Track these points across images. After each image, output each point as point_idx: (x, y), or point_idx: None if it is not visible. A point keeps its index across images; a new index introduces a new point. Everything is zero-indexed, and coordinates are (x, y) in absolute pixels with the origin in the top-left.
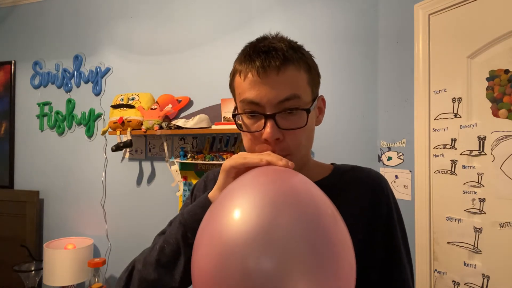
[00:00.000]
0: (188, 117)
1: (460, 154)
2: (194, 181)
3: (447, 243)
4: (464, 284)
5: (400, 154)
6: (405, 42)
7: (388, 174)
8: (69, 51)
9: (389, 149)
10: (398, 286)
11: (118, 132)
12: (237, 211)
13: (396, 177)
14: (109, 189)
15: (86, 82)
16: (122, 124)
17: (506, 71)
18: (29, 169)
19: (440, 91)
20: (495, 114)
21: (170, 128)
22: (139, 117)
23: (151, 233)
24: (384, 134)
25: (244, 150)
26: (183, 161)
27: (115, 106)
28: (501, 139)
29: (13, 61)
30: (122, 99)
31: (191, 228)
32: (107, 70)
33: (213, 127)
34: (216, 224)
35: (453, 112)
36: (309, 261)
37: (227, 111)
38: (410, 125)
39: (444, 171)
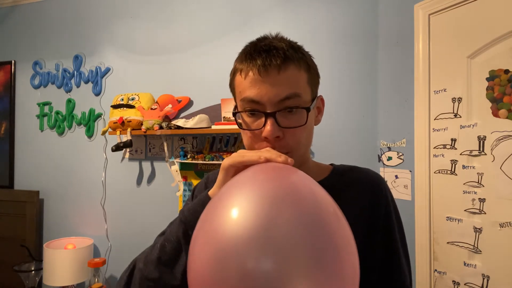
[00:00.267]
0: (188, 117)
1: (460, 154)
2: (194, 181)
3: (447, 243)
4: (464, 284)
5: (400, 154)
6: (405, 42)
7: (388, 174)
8: (69, 51)
9: (389, 149)
10: (397, 287)
11: (118, 132)
12: (235, 209)
13: (396, 177)
14: (109, 189)
15: (86, 82)
16: (122, 124)
17: (506, 71)
18: (29, 169)
19: (440, 91)
20: (495, 114)
21: (170, 128)
22: (139, 117)
23: (151, 233)
24: (384, 134)
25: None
26: (183, 161)
27: (115, 106)
28: (501, 139)
29: (13, 61)
30: (122, 99)
31: (192, 225)
32: (107, 70)
33: (213, 127)
34: (213, 223)
35: (453, 112)
36: (310, 261)
37: (227, 111)
38: (410, 125)
39: (444, 171)
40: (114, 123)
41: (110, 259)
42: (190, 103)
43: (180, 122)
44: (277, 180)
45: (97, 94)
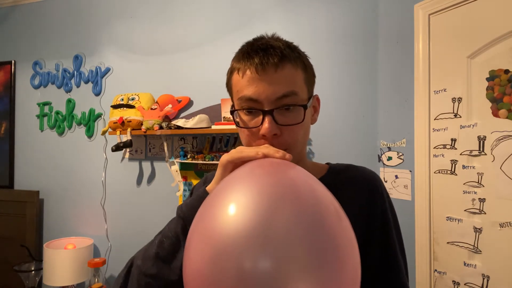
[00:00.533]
0: (188, 117)
1: (460, 154)
2: (194, 181)
3: (447, 243)
4: (464, 284)
5: (400, 154)
6: (405, 42)
7: (388, 174)
8: (69, 51)
9: (389, 149)
10: (394, 283)
11: (118, 132)
12: (232, 206)
13: (396, 177)
14: (109, 189)
15: (86, 82)
16: (122, 124)
17: (506, 71)
18: (29, 169)
19: (440, 91)
20: (495, 114)
21: (170, 128)
22: (139, 117)
23: (151, 233)
24: (384, 134)
25: None
26: (183, 161)
27: (115, 106)
28: (501, 139)
29: (13, 61)
30: (122, 99)
31: (190, 221)
32: (107, 70)
33: (213, 127)
34: (209, 220)
35: (453, 112)
36: (310, 261)
37: (227, 111)
38: (410, 125)
39: (444, 171)
40: (114, 123)
41: (110, 259)
42: (190, 103)
43: (180, 122)
44: (276, 176)
45: (97, 94)
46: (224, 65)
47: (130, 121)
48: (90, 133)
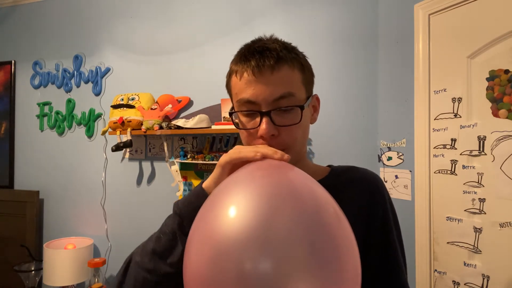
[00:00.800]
0: (188, 117)
1: (460, 154)
2: (194, 181)
3: (447, 243)
4: (464, 284)
5: (400, 154)
6: (405, 42)
7: (388, 174)
8: (69, 51)
9: (389, 149)
10: (394, 283)
11: (118, 132)
12: (232, 208)
13: (396, 177)
14: (109, 189)
15: (86, 82)
16: (122, 124)
17: (506, 71)
18: (29, 169)
19: (440, 91)
20: (495, 114)
21: (170, 128)
22: (139, 117)
23: (151, 233)
24: (384, 134)
25: None
26: (183, 161)
27: (115, 106)
28: (501, 139)
29: (13, 61)
30: (122, 99)
31: (186, 217)
32: (107, 70)
33: (213, 127)
34: (209, 222)
35: (453, 112)
36: (310, 262)
37: (227, 111)
38: (410, 125)
39: (444, 171)
40: (114, 123)
41: (110, 259)
42: (190, 103)
43: (180, 122)
44: (275, 178)
45: (97, 94)
46: (224, 65)
47: (130, 121)
48: (90, 133)
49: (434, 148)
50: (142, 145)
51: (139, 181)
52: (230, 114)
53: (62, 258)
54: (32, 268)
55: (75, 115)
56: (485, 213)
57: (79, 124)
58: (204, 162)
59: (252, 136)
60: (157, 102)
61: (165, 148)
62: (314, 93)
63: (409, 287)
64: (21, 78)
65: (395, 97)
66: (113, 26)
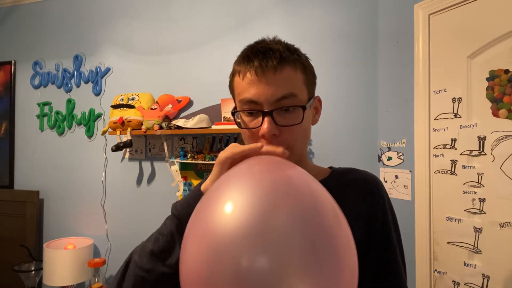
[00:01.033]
0: (188, 117)
1: (460, 154)
2: (194, 181)
3: (447, 243)
4: (464, 284)
5: (400, 154)
6: (405, 42)
7: (388, 174)
8: (69, 51)
9: (389, 149)
10: (393, 283)
11: (118, 132)
12: (230, 204)
13: (396, 177)
14: (109, 189)
15: (86, 82)
16: (122, 124)
17: (506, 71)
18: (29, 169)
19: (440, 91)
20: (495, 114)
21: (170, 128)
22: (139, 117)
23: (151, 233)
24: (384, 134)
25: None
26: (183, 161)
27: (115, 106)
28: (501, 139)
29: (13, 61)
30: (122, 99)
31: (184, 219)
32: (107, 70)
33: (213, 127)
34: (206, 219)
35: (453, 112)
36: (308, 260)
37: (227, 111)
38: (410, 125)
39: (444, 171)
40: (114, 123)
41: (110, 259)
42: (190, 103)
43: (180, 122)
44: (274, 174)
45: (97, 94)
46: (224, 65)
47: (130, 121)
48: (90, 133)
49: (434, 148)
50: (142, 145)
51: (139, 181)
52: (233, 113)
53: (62, 258)
54: (32, 268)
55: (75, 115)
56: (485, 213)
57: (79, 124)
58: (204, 162)
59: (254, 135)
60: (157, 102)
61: (165, 148)
62: (315, 94)
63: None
64: (21, 78)
65: (395, 97)
66: (113, 26)
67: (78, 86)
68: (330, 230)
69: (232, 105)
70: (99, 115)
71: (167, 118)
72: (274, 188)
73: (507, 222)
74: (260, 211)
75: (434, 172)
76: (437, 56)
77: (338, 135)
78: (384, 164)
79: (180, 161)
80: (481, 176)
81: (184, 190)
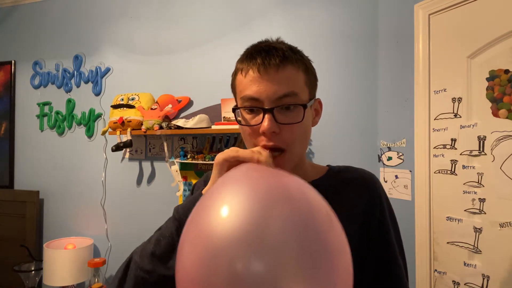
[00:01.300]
0: (188, 117)
1: (460, 154)
2: (194, 181)
3: (447, 243)
4: (464, 284)
5: (400, 154)
6: (405, 42)
7: (388, 174)
8: (69, 51)
9: (389, 149)
10: (393, 282)
11: (118, 132)
12: (225, 207)
13: (396, 177)
14: (109, 189)
15: (86, 82)
16: (122, 124)
17: (506, 71)
18: (29, 169)
19: (440, 91)
20: (495, 114)
21: (170, 128)
22: (139, 117)
23: (151, 233)
24: (384, 134)
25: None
26: (183, 161)
27: (115, 106)
28: (501, 139)
29: (13, 61)
30: (122, 99)
31: (185, 222)
32: (107, 70)
33: (213, 127)
34: (202, 222)
35: (453, 112)
36: (303, 264)
37: (227, 111)
38: (410, 125)
39: (444, 171)
40: (114, 123)
41: (110, 259)
42: (190, 103)
43: (180, 122)
44: (270, 180)
45: (97, 94)
46: (224, 65)
47: (130, 121)
48: (90, 133)
49: (434, 148)
50: (142, 145)
51: (139, 181)
52: (233, 110)
53: (62, 258)
54: (32, 268)
55: (75, 115)
56: (485, 213)
57: (79, 124)
58: (204, 162)
59: (255, 132)
60: (157, 102)
61: (165, 148)
62: (316, 96)
63: (407, 285)
64: (21, 78)
65: (395, 97)
66: (113, 26)
67: (78, 86)
68: (324, 234)
69: (232, 105)
70: (99, 115)
71: (167, 118)
72: (270, 193)
73: (507, 222)
74: (255, 215)
75: (434, 172)
76: (437, 56)
77: (338, 135)
78: (384, 164)
79: (180, 161)
80: (481, 176)
81: (184, 190)
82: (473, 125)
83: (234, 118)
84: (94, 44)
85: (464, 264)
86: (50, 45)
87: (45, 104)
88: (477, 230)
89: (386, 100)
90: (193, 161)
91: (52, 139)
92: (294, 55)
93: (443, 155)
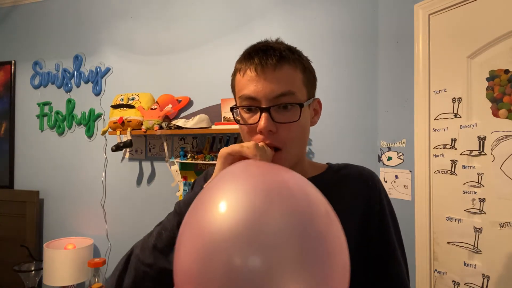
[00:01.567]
0: (188, 117)
1: (460, 154)
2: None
3: (447, 243)
4: (464, 284)
5: (400, 154)
6: (405, 42)
7: (388, 174)
8: (69, 51)
9: (389, 149)
10: (393, 280)
11: (118, 132)
12: (223, 203)
13: (396, 177)
14: (109, 189)
15: (86, 82)
16: (122, 124)
17: (506, 71)
18: (29, 169)
19: (440, 91)
20: (495, 114)
21: (170, 128)
22: (139, 117)
23: None
24: (384, 134)
25: None
26: (183, 161)
27: (115, 106)
28: (501, 139)
29: (13, 61)
30: (122, 99)
31: None
32: (107, 70)
33: (213, 127)
34: (200, 217)
35: (453, 112)
36: (300, 260)
37: (227, 111)
38: (410, 125)
39: (444, 171)
40: (114, 123)
41: (110, 259)
42: (190, 103)
43: (180, 122)
44: (269, 176)
45: (97, 94)
46: (224, 65)
47: (130, 121)
48: (90, 133)
49: (434, 148)
50: (142, 145)
51: (139, 181)
52: (232, 109)
53: (62, 258)
54: (32, 268)
55: (75, 115)
56: (485, 213)
57: (79, 124)
58: (204, 162)
59: (252, 131)
60: (157, 102)
61: (165, 148)
62: (316, 96)
63: (408, 284)
64: (21, 78)
65: (395, 97)
66: (113, 26)
67: (78, 86)
68: (322, 231)
69: (232, 105)
70: (99, 115)
71: (167, 118)
72: (268, 189)
73: (507, 222)
74: (253, 211)
75: (434, 172)
76: (437, 56)
77: (338, 135)
78: (384, 164)
79: (180, 161)
80: (481, 176)
81: (184, 190)
82: (473, 125)
83: (233, 118)
84: (94, 44)
85: (464, 264)
86: (50, 45)
87: (45, 104)
88: (477, 230)
89: (386, 100)
90: (193, 161)
91: (52, 139)
92: (292, 54)
93: (443, 155)
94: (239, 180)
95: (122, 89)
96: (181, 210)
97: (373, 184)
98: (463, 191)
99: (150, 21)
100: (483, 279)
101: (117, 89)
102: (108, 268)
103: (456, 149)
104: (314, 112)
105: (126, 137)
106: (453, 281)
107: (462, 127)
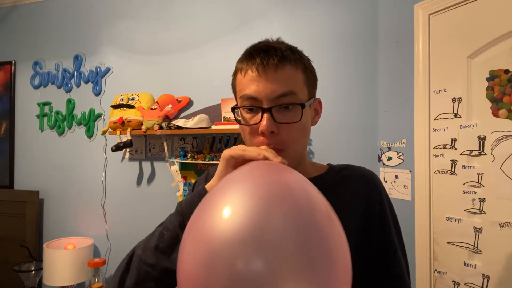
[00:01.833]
0: (188, 117)
1: (460, 154)
2: (194, 181)
3: (447, 243)
4: (464, 284)
5: (400, 154)
6: (405, 42)
7: (388, 174)
8: (69, 51)
9: (389, 149)
10: (394, 280)
11: (118, 132)
12: (227, 208)
13: (396, 177)
14: (109, 189)
15: (86, 82)
16: (122, 124)
17: (506, 71)
18: (29, 169)
19: (440, 91)
20: (495, 114)
21: (170, 128)
22: (139, 117)
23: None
24: (384, 134)
25: None
26: (183, 161)
27: (115, 106)
28: (501, 139)
29: (13, 61)
30: (122, 99)
31: (188, 217)
32: (107, 70)
33: (213, 127)
34: (204, 221)
35: (453, 112)
36: (303, 263)
37: (227, 111)
38: (410, 125)
39: (444, 171)
40: (114, 123)
41: (110, 259)
42: (190, 103)
43: (180, 122)
44: (272, 179)
45: (97, 94)
46: (224, 65)
47: (130, 121)
48: (90, 133)
49: (434, 148)
50: (142, 145)
51: (139, 181)
52: (233, 109)
53: (62, 258)
54: (32, 268)
55: (75, 115)
56: (485, 213)
57: (79, 124)
58: (204, 162)
59: (253, 132)
60: (157, 102)
61: (165, 148)
62: (316, 96)
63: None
64: (21, 78)
65: (395, 97)
66: (113, 26)
67: (78, 86)
68: (324, 234)
69: (232, 105)
70: (99, 115)
71: (167, 118)
72: (271, 193)
73: (507, 222)
74: (256, 216)
75: (434, 172)
76: (437, 56)
77: (338, 135)
78: (384, 164)
79: (180, 161)
80: (481, 176)
81: (184, 190)
82: (473, 125)
83: (234, 118)
84: (94, 44)
85: (464, 264)
86: (50, 45)
87: (45, 104)
88: (477, 230)
89: (386, 100)
90: (193, 161)
91: (52, 139)
92: (293, 54)
93: (443, 155)
94: (242, 184)
95: (122, 89)
96: (182, 210)
97: (374, 185)
98: (463, 191)
99: (150, 21)
100: (483, 279)
101: (117, 89)
102: (108, 268)
103: (456, 149)
104: (314, 112)
105: (126, 137)
106: (453, 281)
107: (462, 127)
